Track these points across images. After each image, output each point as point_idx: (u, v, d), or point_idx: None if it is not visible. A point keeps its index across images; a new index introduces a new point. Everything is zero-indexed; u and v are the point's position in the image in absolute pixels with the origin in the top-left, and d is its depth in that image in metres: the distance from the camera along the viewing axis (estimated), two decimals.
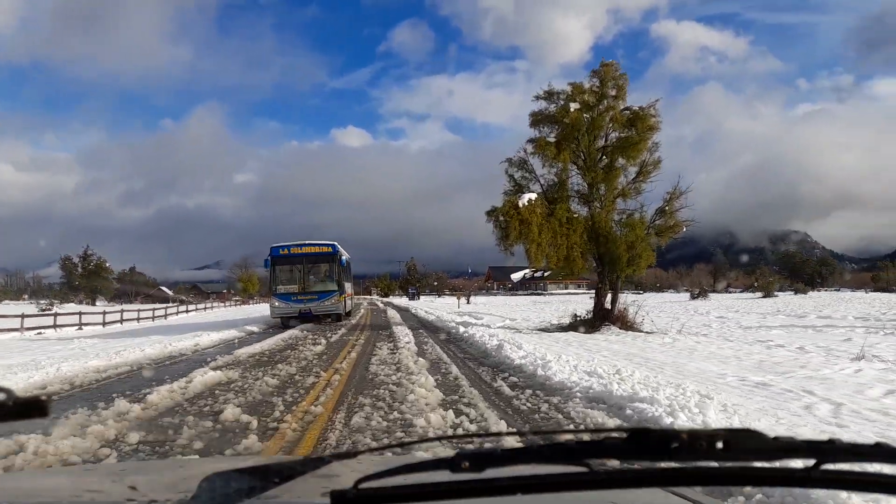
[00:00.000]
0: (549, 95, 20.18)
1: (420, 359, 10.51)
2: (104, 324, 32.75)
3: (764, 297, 64.67)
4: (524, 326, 21.94)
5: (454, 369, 9.60)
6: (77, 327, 31.04)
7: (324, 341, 15.42)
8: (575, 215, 19.38)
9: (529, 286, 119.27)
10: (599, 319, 19.35)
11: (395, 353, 12.04)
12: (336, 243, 25.15)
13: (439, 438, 1.17)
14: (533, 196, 18.76)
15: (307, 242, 25.03)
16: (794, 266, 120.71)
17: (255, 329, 21.76)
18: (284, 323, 23.52)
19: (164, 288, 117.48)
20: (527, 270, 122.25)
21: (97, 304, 74.29)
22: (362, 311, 42.00)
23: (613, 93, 19.89)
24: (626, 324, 19.04)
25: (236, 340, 17.15)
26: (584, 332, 18.15)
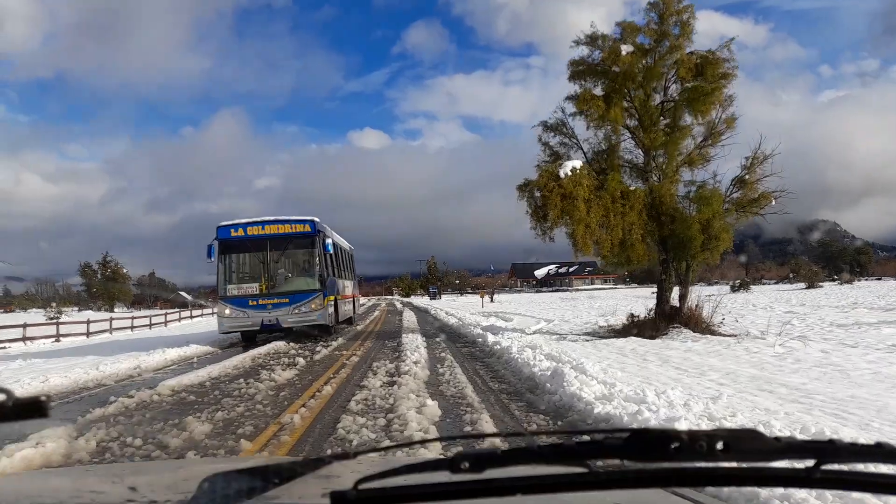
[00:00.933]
0: (593, 40, 15.90)
1: (428, 400, 6.35)
2: (88, 334, 29.36)
3: (807, 287, 60.45)
4: (566, 330, 17.77)
5: (487, 426, 5.43)
6: (54, 339, 27.76)
7: (302, 361, 11.19)
8: (632, 188, 15.10)
9: (554, 282, 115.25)
10: (665, 320, 15.09)
11: (393, 385, 7.87)
12: (317, 220, 17.35)
13: (439, 439, 1.42)
14: (578, 164, 14.54)
15: (271, 219, 17.06)
16: (831, 255, 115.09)
17: (236, 341, 17.80)
18: (247, 337, 16.87)
19: (183, 293, 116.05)
20: (551, 266, 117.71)
21: (115, 310, 74.05)
22: (377, 312, 38.21)
23: (677, 31, 15.60)
24: (700, 325, 14.78)
25: (195, 359, 13.15)
26: (649, 338, 13.94)
